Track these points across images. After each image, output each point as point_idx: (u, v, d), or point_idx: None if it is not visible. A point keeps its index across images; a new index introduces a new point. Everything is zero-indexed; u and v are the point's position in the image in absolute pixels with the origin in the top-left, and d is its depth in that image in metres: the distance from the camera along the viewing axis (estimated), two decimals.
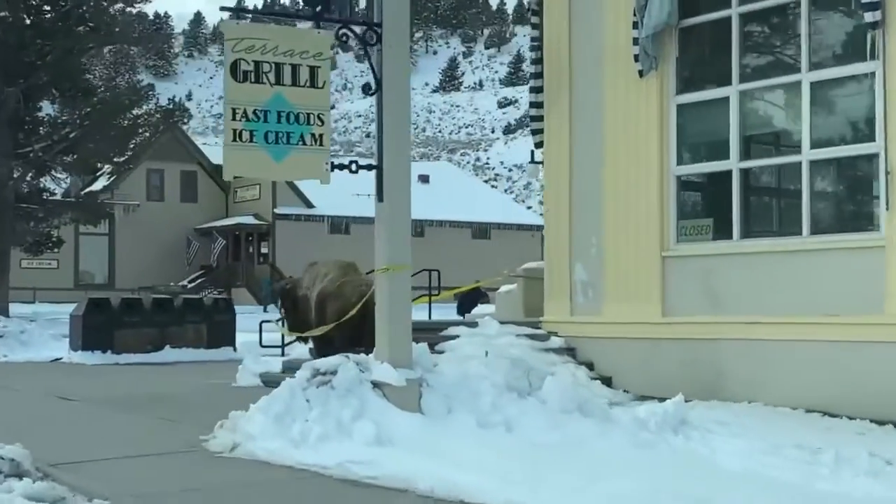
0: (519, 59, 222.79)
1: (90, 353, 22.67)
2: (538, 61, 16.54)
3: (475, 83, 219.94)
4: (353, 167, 10.41)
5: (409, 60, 10.90)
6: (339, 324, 14.93)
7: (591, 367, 14.85)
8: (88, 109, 39.81)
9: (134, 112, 41.44)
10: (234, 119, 9.76)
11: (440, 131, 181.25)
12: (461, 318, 20.66)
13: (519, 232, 67.48)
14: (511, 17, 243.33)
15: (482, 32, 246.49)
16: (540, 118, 16.52)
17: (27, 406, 14.04)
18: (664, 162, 14.32)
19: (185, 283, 60.52)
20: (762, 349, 13.09)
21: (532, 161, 17.06)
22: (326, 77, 10.28)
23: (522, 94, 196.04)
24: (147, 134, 43.59)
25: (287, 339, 20.40)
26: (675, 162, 14.34)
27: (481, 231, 67.10)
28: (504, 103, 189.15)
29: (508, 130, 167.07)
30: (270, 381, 15.86)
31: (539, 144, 16.95)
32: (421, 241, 64.14)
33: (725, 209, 13.84)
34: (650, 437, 10.13)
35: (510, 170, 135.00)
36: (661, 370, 14.12)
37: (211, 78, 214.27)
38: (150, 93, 54.54)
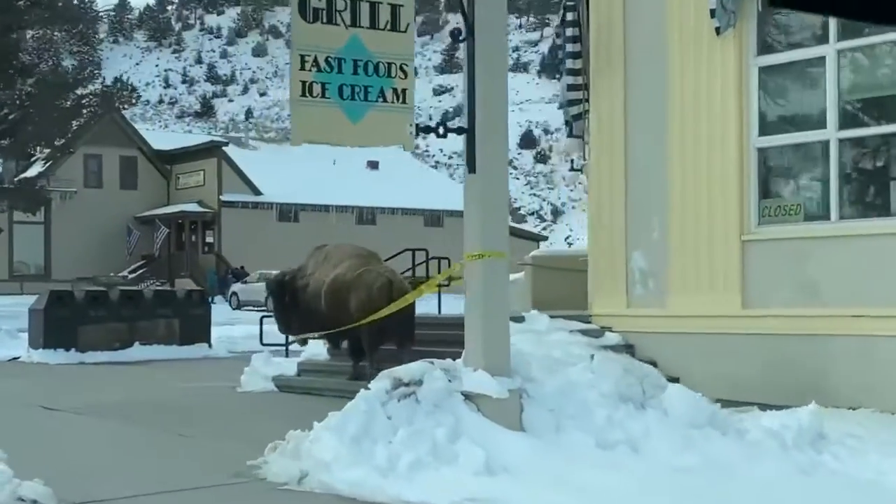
0: (453, 46, 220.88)
1: (52, 352, 20.44)
2: (575, 38, 14.68)
3: None
4: (441, 130, 8.47)
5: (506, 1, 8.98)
6: (375, 318, 12.95)
7: (653, 366, 13.05)
8: (29, 89, 37.21)
9: (78, 92, 38.83)
10: (302, 68, 7.81)
11: None
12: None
13: None
14: (443, 4, 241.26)
15: (414, 20, 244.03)
16: (578, 98, 14.80)
17: (10, 420, 11.90)
18: (743, 133, 12.55)
19: (125, 273, 57.83)
20: (869, 346, 11.40)
21: (571, 135, 15.00)
22: (410, 18, 8.44)
23: (458, 81, 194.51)
24: (91, 116, 40.98)
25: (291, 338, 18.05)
26: (756, 132, 12.57)
27: (434, 218, 65.15)
28: (439, 91, 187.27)
29: (446, 118, 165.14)
30: (286, 386, 13.93)
31: (577, 116, 15.16)
32: (373, 228, 62.26)
33: (820, 186, 12.13)
34: (803, 459, 8.36)
35: (450, 157, 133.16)
36: (740, 370, 12.38)
37: (137, 64, 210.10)
38: (96, 71, 51.71)
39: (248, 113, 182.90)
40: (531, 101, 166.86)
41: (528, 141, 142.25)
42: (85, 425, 11.32)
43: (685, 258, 13.05)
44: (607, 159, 14.07)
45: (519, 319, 13.21)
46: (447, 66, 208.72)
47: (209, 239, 60.95)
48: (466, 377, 8.52)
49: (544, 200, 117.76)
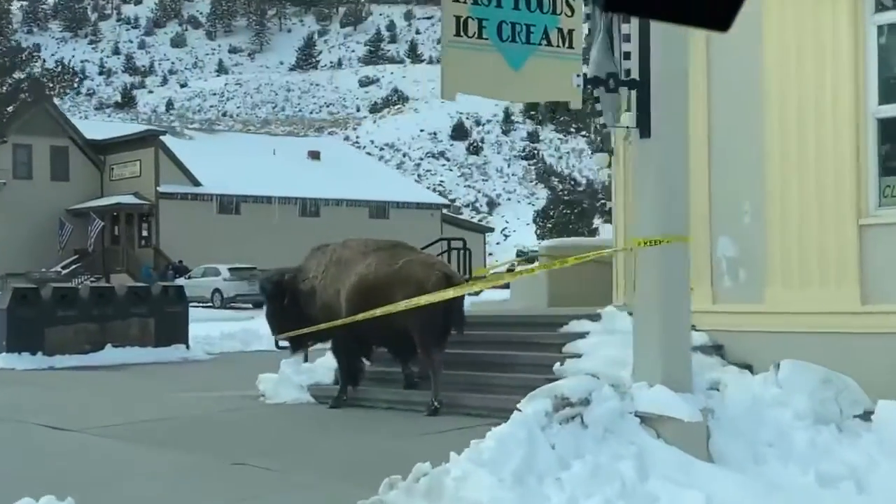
0: (378, 37, 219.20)
1: (17, 356, 18.37)
2: None
3: (332, 62, 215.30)
4: (611, 83, 6.70)
5: None
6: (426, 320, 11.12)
7: (749, 370, 11.41)
8: None
9: (15, 76, 36.29)
10: (456, 0, 5.95)
11: (300, 110, 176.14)
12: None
13: (418, 211, 64.00)
14: None
15: (337, 10, 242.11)
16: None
17: (28, 447, 9.88)
18: (860, 102, 10.92)
19: (58, 268, 55.01)
20: None
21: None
22: None
23: (383, 72, 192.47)
24: (30, 101, 38.41)
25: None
26: (875, 101, 10.95)
27: (379, 210, 63.22)
28: (366, 82, 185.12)
29: (375, 109, 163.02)
30: (325, 397, 12.05)
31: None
32: (317, 221, 60.17)
33: None
34: None
35: (381, 149, 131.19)
36: (860, 376, 10.73)
37: (52, 55, 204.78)
38: (35, 54, 48.79)
39: (169, 104, 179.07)
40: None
41: (459, 132, 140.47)
42: (126, 453, 9.33)
43: (787, 246, 11.41)
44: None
45: (595, 317, 11.51)
46: (372, 58, 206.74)
47: (146, 232, 58.29)
48: (640, 394, 6.78)
49: (479, 192, 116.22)
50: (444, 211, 68.78)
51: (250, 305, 41.80)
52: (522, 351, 10.97)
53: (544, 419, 6.59)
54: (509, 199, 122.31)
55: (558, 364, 10.28)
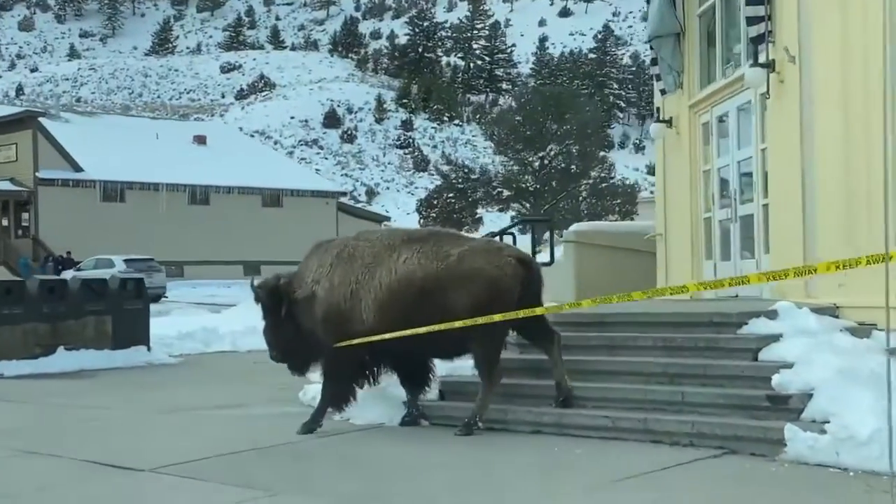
0: (239, 22, 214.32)
1: None
2: None
3: (189, 47, 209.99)
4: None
5: None
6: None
7: None
8: None
9: None
10: None
11: (159, 96, 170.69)
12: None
13: (314, 199, 61.24)
14: None
15: None
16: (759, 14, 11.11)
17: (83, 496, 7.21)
18: None
19: None
20: None
21: (756, 63, 11.18)
22: None
23: (245, 58, 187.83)
24: None
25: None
26: None
27: (272, 198, 60.23)
28: (227, 68, 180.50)
29: (242, 96, 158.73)
30: (437, 417, 9.57)
31: (756, 40, 11.39)
32: (207, 209, 57.04)
33: None
34: None
35: (251, 136, 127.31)
36: None
37: None
38: None
39: (19, 89, 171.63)
40: (327, 79, 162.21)
41: (332, 120, 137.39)
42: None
43: None
44: (829, 80, 10.28)
45: (771, 315, 9.31)
46: (233, 44, 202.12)
47: (25, 222, 54.11)
48: None
49: (356, 181, 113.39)
50: (340, 199, 66.08)
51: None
52: (710, 359, 8.74)
53: None
54: (388, 189, 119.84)
55: (776, 376, 8.07)
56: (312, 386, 11.08)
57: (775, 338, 8.85)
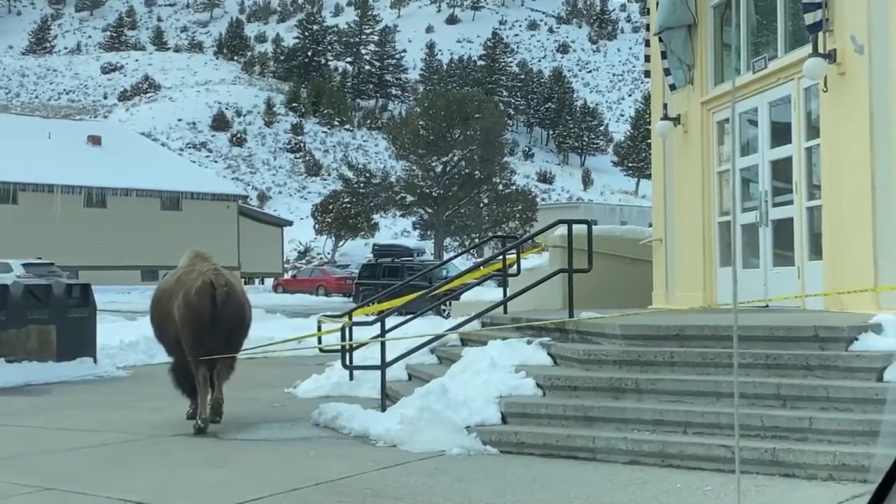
0: (120, 22, 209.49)
1: None
2: None
3: (68, 47, 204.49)
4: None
5: None
6: None
7: None
8: None
9: None
10: None
11: (37, 96, 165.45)
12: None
13: (214, 202, 59.25)
14: None
15: None
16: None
17: None
18: None
19: None
20: None
21: (815, 53, 10.41)
22: None
23: (127, 59, 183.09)
24: None
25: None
26: None
27: (172, 201, 58.10)
28: (109, 69, 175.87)
29: (125, 97, 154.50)
30: (505, 444, 8.42)
31: (813, 27, 10.60)
32: (104, 212, 54.88)
33: None
34: None
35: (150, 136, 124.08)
36: None
37: None
38: None
39: None
40: (213, 81, 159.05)
41: (220, 122, 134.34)
42: None
43: None
44: None
45: (875, 329, 8.40)
46: (114, 44, 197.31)
47: None
48: None
49: (248, 185, 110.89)
50: (240, 203, 64.15)
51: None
52: (825, 379, 7.77)
53: None
54: (280, 193, 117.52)
55: None
56: (329, 405, 9.93)
57: (892, 356, 7.94)
